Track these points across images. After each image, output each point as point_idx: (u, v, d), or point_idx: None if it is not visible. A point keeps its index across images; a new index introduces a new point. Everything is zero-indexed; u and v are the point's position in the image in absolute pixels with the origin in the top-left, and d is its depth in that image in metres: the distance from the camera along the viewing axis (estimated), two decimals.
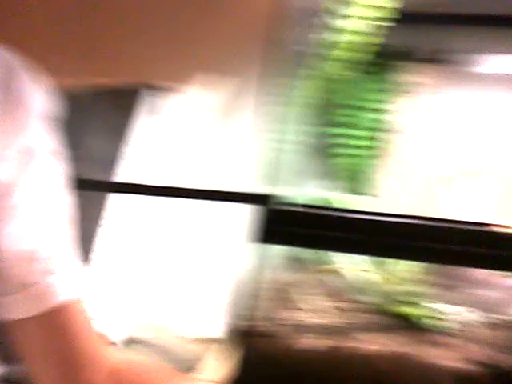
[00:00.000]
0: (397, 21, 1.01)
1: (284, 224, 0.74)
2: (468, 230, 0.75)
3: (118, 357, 0.52)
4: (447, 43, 1.33)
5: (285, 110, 0.74)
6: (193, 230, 1.41)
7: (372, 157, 1.36)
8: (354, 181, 1.36)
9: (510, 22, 1.29)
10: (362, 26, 0.80)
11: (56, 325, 0.48)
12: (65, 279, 0.48)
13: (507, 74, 1.36)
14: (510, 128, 1.34)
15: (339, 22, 0.83)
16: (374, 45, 0.81)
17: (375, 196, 1.35)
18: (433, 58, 1.35)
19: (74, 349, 0.49)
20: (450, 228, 0.74)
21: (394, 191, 1.34)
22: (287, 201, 0.72)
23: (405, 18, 1.31)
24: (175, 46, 1.27)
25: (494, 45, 1.33)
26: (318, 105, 0.84)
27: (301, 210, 0.74)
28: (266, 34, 1.10)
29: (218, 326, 1.03)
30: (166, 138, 1.13)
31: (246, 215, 0.76)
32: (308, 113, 0.83)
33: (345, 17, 0.81)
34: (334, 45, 0.82)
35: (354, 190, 1.37)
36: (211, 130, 1.42)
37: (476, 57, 1.36)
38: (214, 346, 0.98)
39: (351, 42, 0.78)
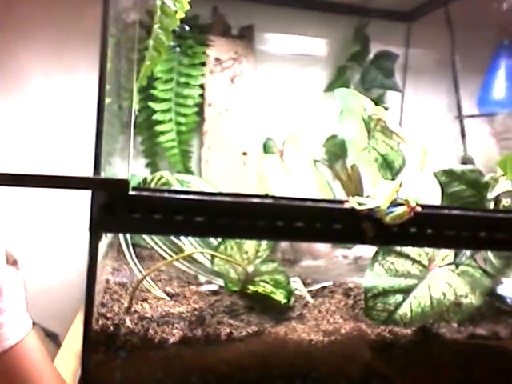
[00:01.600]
0: None
1: (123, 210, 0.66)
2: (303, 206, 0.75)
3: None
4: (254, 20, 1.36)
5: (106, 83, 0.65)
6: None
7: (191, 134, 1.33)
8: (175, 159, 1.32)
9: (314, 5, 1.38)
10: None
11: (6, 368, 0.42)
12: (15, 317, 0.43)
13: (308, 55, 1.44)
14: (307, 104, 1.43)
15: None
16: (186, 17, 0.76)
17: (201, 174, 1.34)
18: (242, 34, 1.37)
19: None
20: (287, 205, 0.74)
21: (217, 169, 1.33)
22: (124, 184, 0.64)
23: None
24: None
25: (298, 26, 1.41)
26: (140, 79, 0.77)
27: (140, 193, 0.67)
28: None
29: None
30: None
31: (81, 201, 0.67)
32: (130, 87, 0.75)
33: None
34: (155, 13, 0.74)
35: (180, 169, 1.33)
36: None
37: (280, 36, 1.42)
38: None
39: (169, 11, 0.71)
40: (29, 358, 0.43)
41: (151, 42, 0.68)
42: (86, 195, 0.66)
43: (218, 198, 0.71)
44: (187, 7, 0.69)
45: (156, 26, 0.67)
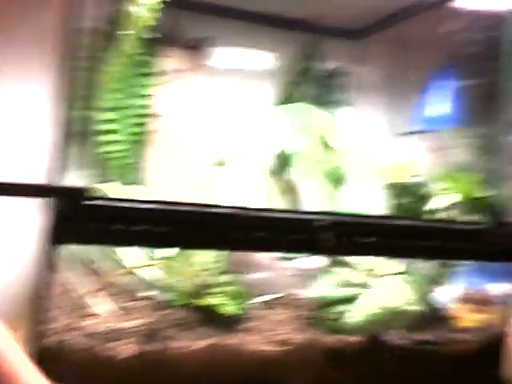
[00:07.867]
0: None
1: (77, 219, 0.64)
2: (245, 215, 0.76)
3: None
4: (209, 33, 1.36)
5: (62, 93, 0.64)
6: None
7: (139, 144, 1.30)
8: (122, 169, 1.29)
9: (268, 21, 1.40)
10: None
11: None
12: None
13: (260, 69, 1.46)
14: (256, 118, 1.45)
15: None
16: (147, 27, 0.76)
17: (145, 185, 1.30)
18: (193, 46, 1.37)
19: None
20: (231, 214, 0.74)
21: (162, 179, 1.31)
22: (79, 192, 0.62)
23: (172, 4, 1.30)
24: None
25: (252, 41, 1.42)
26: (85, 88, 0.75)
27: (95, 202, 0.65)
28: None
29: None
30: None
31: (32, 210, 0.64)
32: (75, 96, 0.73)
33: None
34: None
35: (123, 179, 1.30)
36: None
37: (234, 50, 1.43)
38: None
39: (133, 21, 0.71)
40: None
41: (109, 51, 0.66)
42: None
43: (171, 208, 0.70)
44: (151, 16, 0.68)
45: (117, 34, 0.66)
